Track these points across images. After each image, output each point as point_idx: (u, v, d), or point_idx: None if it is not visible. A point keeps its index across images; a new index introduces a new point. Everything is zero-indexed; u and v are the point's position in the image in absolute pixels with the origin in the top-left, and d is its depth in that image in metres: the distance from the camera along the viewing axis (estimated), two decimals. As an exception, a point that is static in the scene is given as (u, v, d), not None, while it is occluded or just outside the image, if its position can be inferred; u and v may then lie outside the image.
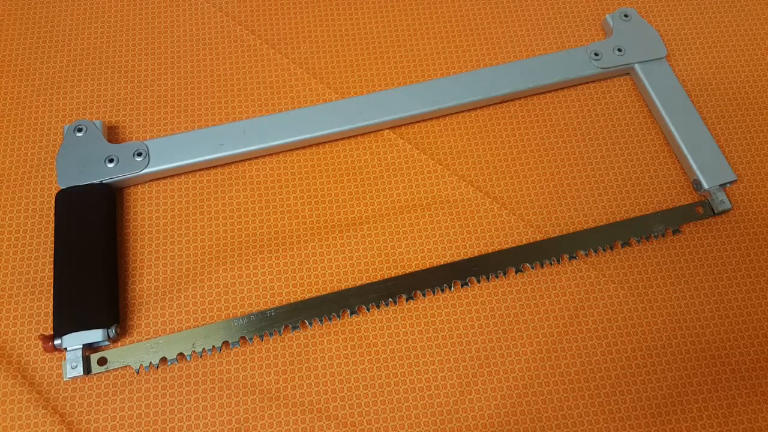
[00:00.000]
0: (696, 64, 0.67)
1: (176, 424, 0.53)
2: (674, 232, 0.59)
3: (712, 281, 0.58)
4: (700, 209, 0.59)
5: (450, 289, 0.57)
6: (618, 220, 0.60)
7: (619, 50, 0.65)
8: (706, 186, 0.59)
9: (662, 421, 0.54)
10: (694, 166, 0.60)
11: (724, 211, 0.59)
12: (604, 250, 0.59)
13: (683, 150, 0.61)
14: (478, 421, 0.54)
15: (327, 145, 0.63)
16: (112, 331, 0.53)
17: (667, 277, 0.58)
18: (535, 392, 0.55)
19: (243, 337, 0.55)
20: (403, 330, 0.56)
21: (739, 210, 0.61)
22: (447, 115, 0.64)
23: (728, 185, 0.60)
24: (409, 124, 0.64)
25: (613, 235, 0.59)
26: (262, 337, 0.55)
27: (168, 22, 0.68)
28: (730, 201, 0.59)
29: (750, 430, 0.54)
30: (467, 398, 0.54)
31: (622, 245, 0.59)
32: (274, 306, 0.56)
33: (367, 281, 0.57)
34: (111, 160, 0.58)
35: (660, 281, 0.58)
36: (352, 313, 0.56)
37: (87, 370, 0.52)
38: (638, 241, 0.59)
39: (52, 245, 0.57)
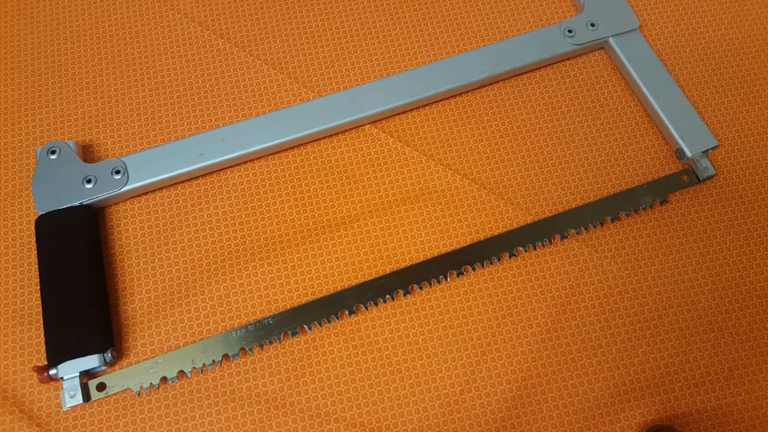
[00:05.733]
0: (669, 32, 0.67)
1: (183, 442, 0.52)
2: (662, 203, 0.60)
3: (702, 248, 0.59)
4: (685, 177, 0.60)
5: (446, 279, 0.57)
6: (605, 195, 0.60)
7: (592, 25, 0.65)
8: (689, 154, 0.59)
9: (665, 390, 0.54)
10: (676, 135, 0.60)
11: (709, 177, 0.59)
12: (594, 226, 0.59)
13: (663, 120, 0.61)
14: (486, 408, 0.54)
15: (309, 146, 0.62)
16: (108, 355, 0.52)
17: (659, 248, 0.59)
18: (539, 373, 0.55)
19: (243, 349, 0.54)
20: (403, 325, 0.56)
21: (723, 175, 0.61)
22: (427, 104, 0.63)
23: (711, 151, 0.60)
24: (389, 117, 0.63)
25: (602, 211, 0.59)
26: (262, 346, 0.54)
27: (133, 33, 0.67)
28: (713, 167, 0.60)
29: (751, 391, 0.55)
30: (473, 386, 0.55)
31: (612, 220, 0.59)
32: (272, 314, 0.55)
33: (363, 280, 0.57)
34: (89, 181, 0.57)
35: (652, 252, 0.58)
36: (350, 313, 0.56)
37: (86, 397, 0.51)
38: (627, 215, 0.59)
39: (37, 273, 0.55)
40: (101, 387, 0.52)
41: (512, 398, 0.54)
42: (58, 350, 0.52)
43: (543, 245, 0.58)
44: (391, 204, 0.60)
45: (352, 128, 0.62)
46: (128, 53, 0.66)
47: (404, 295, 0.57)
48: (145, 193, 0.60)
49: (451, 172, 0.61)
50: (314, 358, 0.55)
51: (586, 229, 0.59)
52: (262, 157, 0.61)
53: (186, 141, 0.60)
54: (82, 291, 0.54)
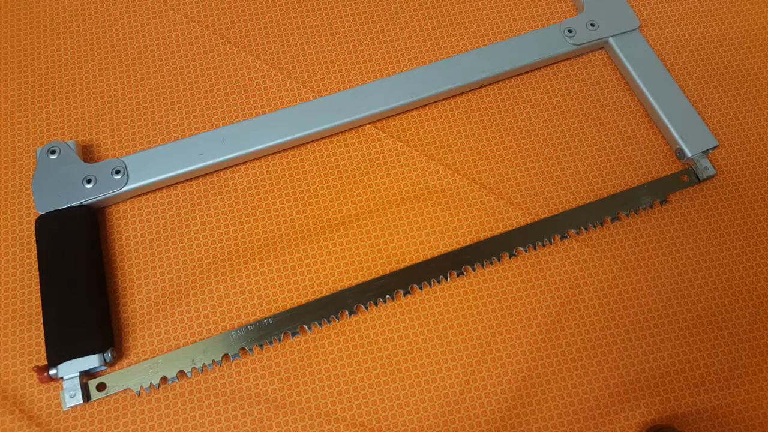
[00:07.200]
0: (669, 32, 0.67)
1: (183, 442, 0.52)
2: (662, 203, 0.60)
3: (702, 248, 0.59)
4: (685, 177, 0.60)
5: (446, 279, 0.57)
6: (605, 195, 0.60)
7: (592, 25, 0.65)
8: (689, 154, 0.59)
9: (665, 390, 0.54)
10: (676, 135, 0.60)
11: (709, 177, 0.59)
12: (594, 226, 0.59)
13: (664, 120, 0.61)
14: (486, 408, 0.54)
15: (309, 146, 0.62)
16: (108, 355, 0.52)
17: (659, 248, 0.59)
18: (539, 374, 0.55)
19: (243, 349, 0.54)
20: (402, 325, 0.56)
21: (723, 175, 0.61)
22: (427, 104, 0.63)
23: (711, 151, 0.60)
24: (389, 117, 0.63)
25: (602, 211, 0.59)
26: (262, 346, 0.54)
27: (133, 32, 0.67)
28: (713, 167, 0.60)
29: (751, 391, 0.55)
30: (473, 386, 0.55)
31: (612, 220, 0.59)
32: (272, 314, 0.55)
33: (362, 280, 0.57)
34: (89, 181, 0.57)
35: (652, 252, 0.58)
36: (350, 313, 0.56)
37: (86, 397, 0.51)
38: (627, 215, 0.59)
39: (37, 273, 0.55)
40: (101, 387, 0.52)
41: (512, 398, 0.54)
42: (58, 350, 0.52)
43: (543, 245, 0.58)
44: (391, 204, 0.60)
45: (352, 128, 0.62)
46: (128, 53, 0.66)
47: (404, 295, 0.57)
48: (145, 193, 0.60)
49: (451, 172, 0.61)
50: (314, 357, 0.55)
51: (586, 229, 0.59)
52: (262, 157, 0.61)
53: (186, 141, 0.60)
54: (82, 291, 0.54)
